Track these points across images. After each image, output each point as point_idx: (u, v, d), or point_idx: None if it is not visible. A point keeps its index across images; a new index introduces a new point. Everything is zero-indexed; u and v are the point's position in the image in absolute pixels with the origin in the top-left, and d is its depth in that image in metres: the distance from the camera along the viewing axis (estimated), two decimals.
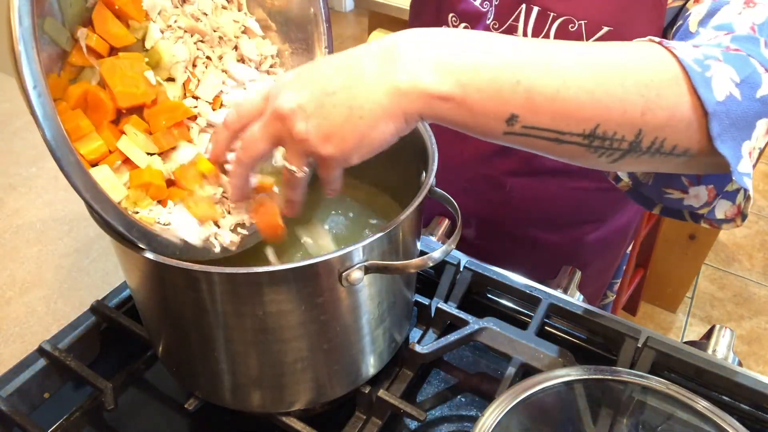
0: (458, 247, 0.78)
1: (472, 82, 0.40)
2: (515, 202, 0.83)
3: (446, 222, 0.81)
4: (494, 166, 0.81)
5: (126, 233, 0.43)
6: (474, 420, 0.51)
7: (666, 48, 0.44)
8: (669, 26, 0.63)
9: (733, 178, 0.43)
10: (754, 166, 0.46)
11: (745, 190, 0.45)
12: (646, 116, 0.42)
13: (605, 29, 0.66)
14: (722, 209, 0.51)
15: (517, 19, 0.70)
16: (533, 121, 0.42)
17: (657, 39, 0.45)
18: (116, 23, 0.48)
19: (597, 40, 0.66)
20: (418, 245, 0.58)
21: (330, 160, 0.43)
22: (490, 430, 0.50)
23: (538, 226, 0.87)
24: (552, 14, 0.68)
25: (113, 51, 0.49)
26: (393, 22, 1.82)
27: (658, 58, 0.43)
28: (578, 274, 0.74)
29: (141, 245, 0.44)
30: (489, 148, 0.79)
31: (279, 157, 0.57)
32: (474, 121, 0.42)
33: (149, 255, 0.44)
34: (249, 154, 0.45)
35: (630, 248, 1.05)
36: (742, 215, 0.49)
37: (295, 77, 0.43)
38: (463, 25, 0.74)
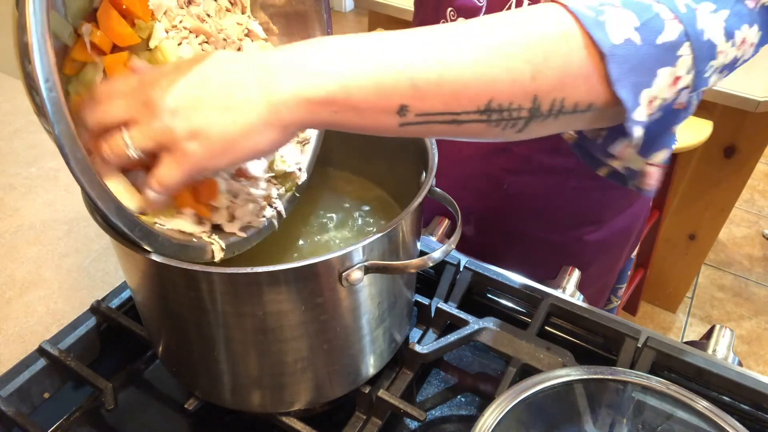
0: (457, 245, 0.78)
1: (352, 81, 0.39)
2: (514, 199, 0.83)
3: (446, 222, 0.81)
4: (493, 163, 0.81)
5: (129, 233, 0.43)
6: (474, 420, 0.51)
7: (558, 3, 0.43)
8: None
9: (625, 123, 0.42)
10: (658, 117, 0.45)
11: (633, 139, 0.44)
12: (537, 80, 0.41)
13: None
14: (616, 146, 0.50)
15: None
16: (424, 108, 0.41)
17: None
18: (121, 22, 0.48)
19: None
20: (418, 245, 0.58)
21: (189, 157, 0.41)
22: (490, 430, 0.50)
23: (537, 225, 0.87)
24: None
25: (115, 48, 0.49)
26: (393, 22, 1.82)
27: (547, 16, 0.42)
28: (578, 274, 0.74)
29: (143, 245, 0.44)
30: (488, 147, 0.79)
31: (278, 161, 0.57)
32: (364, 120, 0.41)
33: (149, 255, 0.44)
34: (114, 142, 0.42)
35: (635, 253, 1.05)
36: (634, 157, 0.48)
37: (176, 69, 0.42)
38: (460, 19, 0.74)
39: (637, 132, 0.43)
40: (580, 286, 0.74)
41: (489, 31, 0.42)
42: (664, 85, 0.43)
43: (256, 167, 0.56)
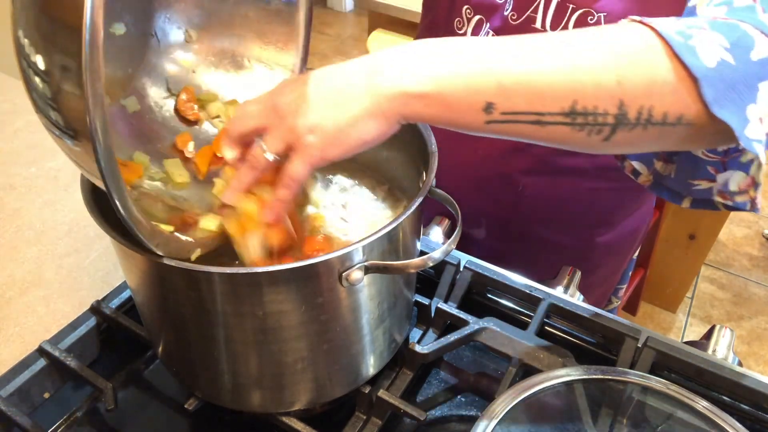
0: (466, 247, 0.78)
1: (444, 78, 0.43)
2: (528, 201, 0.83)
3: (446, 222, 0.81)
4: (510, 164, 0.80)
5: (147, 243, 0.43)
6: (474, 420, 0.51)
7: (645, 24, 0.44)
8: None
9: (740, 143, 0.42)
10: None
11: (756, 157, 0.44)
12: (624, 85, 0.42)
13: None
14: (735, 181, 0.50)
15: (535, 11, 0.70)
16: (509, 106, 0.43)
17: (638, 18, 0.45)
18: None
19: None
20: (418, 245, 0.58)
21: (310, 149, 0.45)
22: (490, 430, 0.50)
23: (549, 227, 0.86)
24: (571, 6, 0.67)
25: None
26: (393, 22, 1.82)
27: (633, 31, 0.43)
28: (578, 274, 0.74)
29: (158, 252, 0.44)
30: (504, 146, 0.79)
31: None
32: (453, 116, 0.44)
33: (151, 255, 0.44)
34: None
35: (636, 254, 1.05)
36: (755, 185, 0.48)
37: (296, 81, 0.47)
38: (477, 17, 0.74)
39: (759, 149, 0.43)
40: (587, 288, 0.74)
41: (572, 40, 0.44)
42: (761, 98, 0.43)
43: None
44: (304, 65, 0.63)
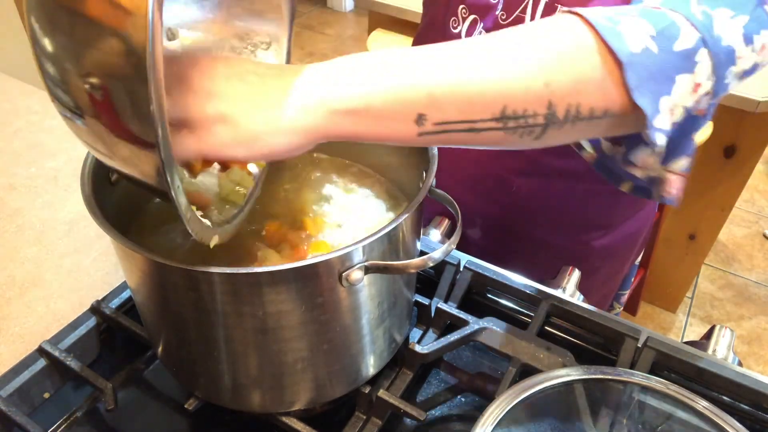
0: (462, 247, 0.78)
1: (372, 92, 0.42)
2: (522, 202, 0.83)
3: (446, 222, 0.81)
4: (502, 164, 0.80)
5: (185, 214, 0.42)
6: (474, 420, 0.51)
7: (575, 13, 0.44)
8: None
9: (647, 131, 0.43)
10: (679, 124, 0.45)
11: (655, 145, 0.44)
12: (551, 86, 0.42)
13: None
14: (638, 155, 0.50)
15: (524, 11, 0.70)
16: (441, 116, 0.43)
17: (568, 8, 0.45)
18: None
19: None
20: (418, 245, 0.58)
21: (212, 137, 0.42)
22: (490, 430, 0.50)
23: (545, 228, 0.86)
24: (559, 6, 0.67)
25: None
26: (393, 22, 1.82)
27: (561, 26, 0.43)
28: (578, 274, 0.74)
29: (189, 227, 0.43)
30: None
31: None
32: (383, 130, 0.43)
33: (149, 255, 0.44)
34: None
35: (639, 260, 1.05)
36: (661, 165, 0.48)
37: (225, 61, 0.44)
38: (472, 17, 0.74)
39: (660, 140, 0.44)
40: (585, 292, 0.74)
41: (501, 43, 0.43)
42: (684, 92, 0.43)
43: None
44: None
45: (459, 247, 0.77)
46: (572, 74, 0.42)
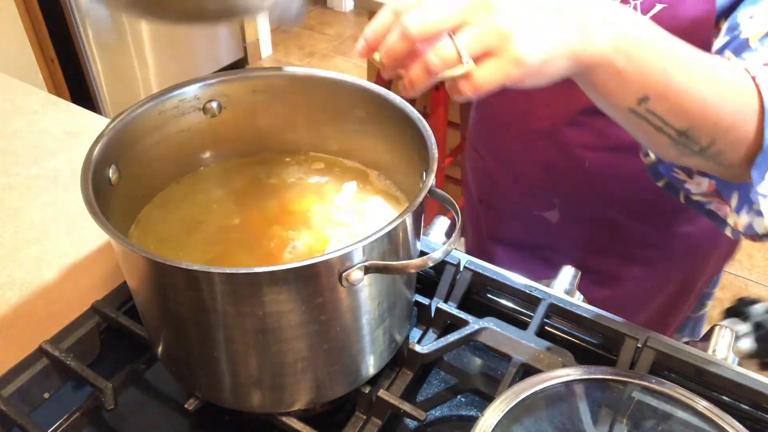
0: (540, 231, 0.76)
1: (631, 51, 0.43)
2: (595, 180, 0.80)
3: (446, 222, 0.81)
4: (567, 137, 0.78)
5: None
6: (474, 420, 0.51)
7: (753, 78, 0.49)
8: (722, 13, 0.62)
9: (752, 197, 0.49)
10: None
11: (758, 207, 0.50)
12: (729, 134, 0.48)
13: (659, 6, 0.64)
14: (699, 185, 0.58)
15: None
16: (657, 107, 0.46)
17: (742, 64, 0.51)
18: None
19: (652, 17, 0.65)
20: (418, 245, 0.58)
21: (521, 66, 0.40)
22: (490, 430, 0.50)
23: (620, 210, 0.83)
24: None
25: None
26: None
27: (748, 87, 0.48)
28: (578, 274, 0.74)
29: None
30: (558, 119, 0.76)
31: None
32: (613, 90, 0.45)
33: (149, 255, 0.44)
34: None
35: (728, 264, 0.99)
36: (751, 228, 0.53)
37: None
38: None
39: (763, 203, 0.50)
40: (664, 283, 0.72)
41: (714, 70, 0.48)
42: None
43: None
44: None
45: (538, 234, 0.76)
46: (741, 135, 0.48)
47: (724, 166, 0.51)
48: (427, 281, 0.74)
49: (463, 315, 0.65)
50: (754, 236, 0.54)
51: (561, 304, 0.67)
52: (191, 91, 0.63)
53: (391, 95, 0.60)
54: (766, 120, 0.46)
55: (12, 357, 0.65)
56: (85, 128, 1.04)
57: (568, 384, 0.55)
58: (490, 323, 0.64)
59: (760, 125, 0.47)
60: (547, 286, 0.71)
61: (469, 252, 0.88)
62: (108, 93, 2.67)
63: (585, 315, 0.66)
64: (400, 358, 0.63)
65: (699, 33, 0.61)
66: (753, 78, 0.48)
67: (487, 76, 0.40)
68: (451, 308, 0.66)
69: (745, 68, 0.50)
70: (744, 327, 0.90)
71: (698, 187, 0.59)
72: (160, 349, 0.58)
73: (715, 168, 0.53)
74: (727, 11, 0.61)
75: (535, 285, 0.70)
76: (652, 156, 0.62)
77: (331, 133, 0.69)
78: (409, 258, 0.50)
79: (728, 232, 0.59)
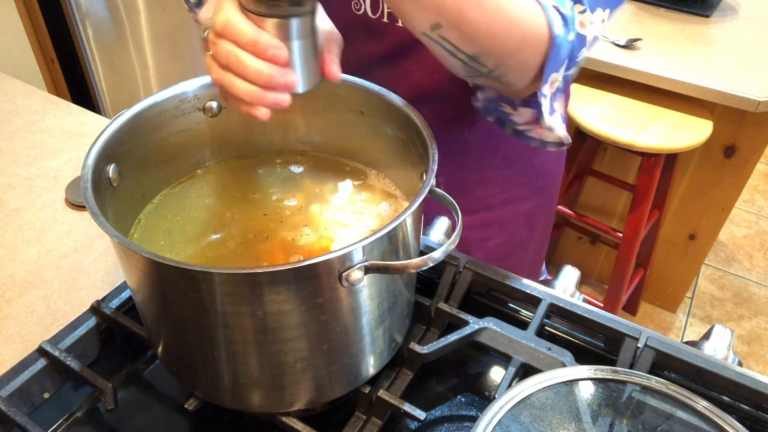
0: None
1: None
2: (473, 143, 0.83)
3: (446, 222, 0.81)
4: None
5: None
6: (474, 420, 0.51)
7: (542, 8, 0.54)
8: None
9: (539, 93, 0.57)
10: (557, 92, 0.60)
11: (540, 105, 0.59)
12: (512, 59, 0.54)
13: None
14: (522, 116, 0.65)
15: None
16: (449, 34, 0.51)
17: None
18: None
19: None
20: (419, 245, 0.58)
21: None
22: (490, 430, 0.50)
23: (493, 167, 0.86)
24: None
25: None
26: None
27: (537, 15, 0.53)
28: (578, 274, 0.74)
29: None
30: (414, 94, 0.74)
31: None
32: (408, 13, 0.50)
33: (149, 255, 0.44)
34: None
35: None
36: (540, 121, 0.61)
37: None
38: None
39: (544, 103, 0.59)
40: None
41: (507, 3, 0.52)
42: (560, 71, 0.58)
43: None
44: None
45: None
46: (524, 62, 0.55)
47: (507, 84, 0.58)
48: (427, 281, 0.74)
49: (463, 315, 0.65)
50: (563, 140, 0.65)
51: (561, 304, 0.67)
52: (191, 91, 0.63)
53: (391, 95, 0.61)
54: (554, 45, 0.53)
55: (12, 357, 0.65)
56: (85, 128, 1.04)
57: (568, 384, 0.55)
58: (490, 323, 0.64)
59: (546, 48, 0.54)
60: (547, 286, 0.71)
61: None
62: (108, 93, 2.67)
63: (585, 315, 0.66)
64: (400, 358, 0.63)
65: None
66: (542, 8, 0.54)
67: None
68: (451, 308, 0.66)
69: None
70: None
71: (521, 117, 0.65)
72: (159, 349, 0.58)
73: (500, 87, 0.60)
74: None
75: (535, 285, 0.70)
76: (480, 100, 0.69)
77: (331, 133, 0.69)
78: (409, 258, 0.49)
79: (551, 148, 0.69)
